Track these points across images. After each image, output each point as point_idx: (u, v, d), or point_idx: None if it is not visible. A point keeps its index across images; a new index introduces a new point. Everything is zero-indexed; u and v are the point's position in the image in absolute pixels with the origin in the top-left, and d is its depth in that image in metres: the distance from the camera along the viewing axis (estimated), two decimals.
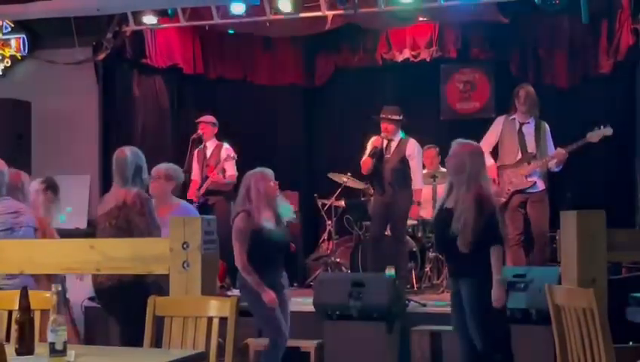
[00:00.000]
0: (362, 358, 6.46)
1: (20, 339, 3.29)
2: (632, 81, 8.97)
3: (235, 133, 9.45)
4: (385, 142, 8.24)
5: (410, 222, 8.51)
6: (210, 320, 3.79)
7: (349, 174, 9.19)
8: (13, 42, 9.44)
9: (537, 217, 7.58)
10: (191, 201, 8.88)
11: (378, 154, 8.18)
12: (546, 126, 7.71)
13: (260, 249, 5.66)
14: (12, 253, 4.63)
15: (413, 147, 8.20)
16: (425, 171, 8.75)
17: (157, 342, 3.87)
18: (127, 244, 4.54)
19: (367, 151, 8.23)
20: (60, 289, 3.21)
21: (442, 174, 8.33)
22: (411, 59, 10.39)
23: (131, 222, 5.10)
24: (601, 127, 7.36)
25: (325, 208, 9.62)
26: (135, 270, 4.50)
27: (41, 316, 3.71)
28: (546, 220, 7.57)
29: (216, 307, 3.83)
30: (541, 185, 7.63)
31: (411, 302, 7.32)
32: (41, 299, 3.61)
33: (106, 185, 7.51)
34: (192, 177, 9.06)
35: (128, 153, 5.36)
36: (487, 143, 7.75)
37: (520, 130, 7.70)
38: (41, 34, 9.35)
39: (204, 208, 8.69)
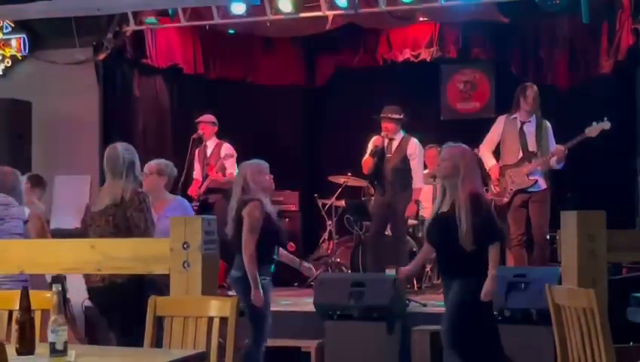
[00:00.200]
0: (363, 358, 6.46)
1: (21, 339, 3.29)
2: (632, 81, 8.96)
3: (235, 133, 9.45)
4: (386, 141, 8.25)
5: (410, 222, 8.51)
6: (210, 320, 3.79)
7: (349, 174, 9.20)
8: (13, 42, 9.44)
9: (538, 217, 7.58)
10: (191, 199, 8.91)
11: (379, 154, 8.18)
12: (548, 124, 7.71)
13: (270, 239, 5.65)
14: (12, 253, 4.63)
15: (414, 146, 8.21)
16: (426, 171, 8.75)
17: (157, 342, 3.87)
18: (127, 244, 4.53)
19: (369, 151, 8.24)
20: (60, 289, 3.21)
21: None
22: (412, 59, 10.40)
23: (129, 219, 5.04)
24: (599, 121, 7.37)
25: (325, 208, 9.62)
26: (135, 270, 4.50)
27: (41, 316, 3.71)
28: (546, 220, 7.56)
29: (217, 307, 3.83)
30: (543, 185, 7.63)
31: (412, 302, 7.32)
32: (42, 299, 3.61)
33: None
34: (194, 176, 9.09)
35: (120, 148, 5.24)
36: (489, 143, 7.77)
37: (521, 129, 7.70)
38: (41, 34, 9.35)
39: (204, 206, 8.71)
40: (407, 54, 10.41)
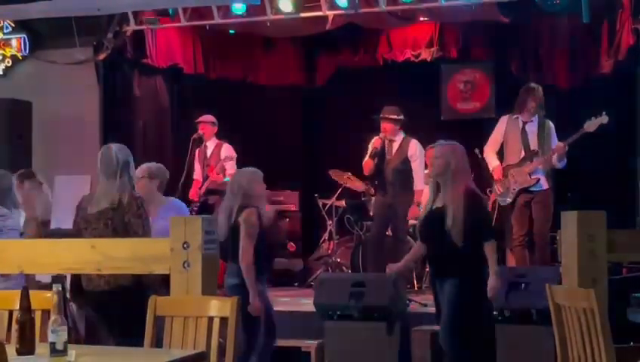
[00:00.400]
0: (363, 358, 6.46)
1: (21, 339, 3.29)
2: (633, 81, 8.96)
3: (235, 133, 9.45)
4: (387, 142, 8.25)
5: (411, 222, 8.51)
6: (210, 320, 3.79)
7: (349, 174, 9.20)
8: (14, 42, 9.44)
9: (540, 217, 7.59)
10: (190, 201, 8.91)
11: (379, 155, 8.18)
12: (551, 124, 7.73)
13: (267, 246, 5.65)
14: (12, 253, 4.63)
15: (415, 147, 8.21)
16: (426, 171, 8.73)
17: (157, 342, 3.87)
18: (127, 244, 4.53)
19: (369, 153, 8.25)
20: (60, 289, 3.21)
21: None
22: (412, 59, 10.39)
23: (128, 224, 5.01)
24: (597, 116, 7.39)
25: (326, 208, 9.62)
26: (135, 270, 4.50)
27: (41, 316, 3.71)
28: (548, 221, 7.56)
29: (217, 307, 3.83)
30: (545, 184, 7.64)
31: (412, 302, 7.32)
32: (42, 299, 3.61)
33: None
34: (194, 177, 9.10)
35: (115, 148, 5.19)
36: (493, 143, 7.80)
37: (523, 128, 7.71)
38: (41, 34, 9.35)
39: (204, 207, 8.71)
40: (407, 54, 10.40)
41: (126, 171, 5.12)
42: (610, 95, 9.30)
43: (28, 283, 5.10)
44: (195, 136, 9.02)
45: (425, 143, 8.69)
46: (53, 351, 3.12)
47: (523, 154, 7.68)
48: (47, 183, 6.85)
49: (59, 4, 8.05)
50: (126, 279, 4.85)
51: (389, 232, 8.39)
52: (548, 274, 5.93)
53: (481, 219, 5.34)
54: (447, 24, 10.12)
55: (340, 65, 11.10)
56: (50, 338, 3.12)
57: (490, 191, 8.00)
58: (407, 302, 7.14)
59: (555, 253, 7.00)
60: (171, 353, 3.57)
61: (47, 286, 4.46)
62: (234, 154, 8.80)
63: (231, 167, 8.76)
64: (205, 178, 9.00)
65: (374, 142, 8.25)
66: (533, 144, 7.66)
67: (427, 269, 8.74)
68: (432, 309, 7.11)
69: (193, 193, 9.00)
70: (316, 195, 9.75)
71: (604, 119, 7.37)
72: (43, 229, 6.03)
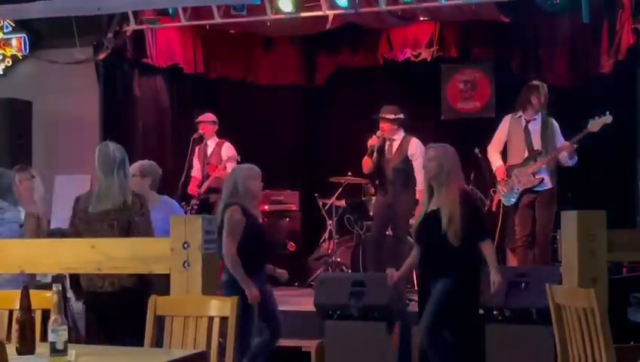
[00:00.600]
0: (363, 358, 6.46)
1: (21, 339, 3.29)
2: (633, 81, 8.96)
3: (235, 133, 9.45)
4: (387, 142, 8.25)
5: (411, 222, 8.51)
6: (210, 319, 3.79)
7: (349, 174, 9.19)
8: (14, 42, 9.45)
9: (543, 217, 7.58)
10: (190, 197, 8.92)
11: (377, 153, 8.17)
12: (555, 122, 7.72)
13: (258, 242, 5.64)
14: (12, 253, 4.63)
15: (415, 146, 8.19)
16: None
17: (157, 342, 3.87)
18: (127, 244, 4.53)
19: (368, 151, 8.25)
20: (60, 288, 3.21)
21: None
22: (412, 59, 10.39)
23: (132, 223, 5.04)
24: (601, 115, 7.38)
25: (326, 208, 9.62)
26: (136, 270, 4.50)
27: (42, 316, 3.71)
28: (551, 221, 7.54)
29: (217, 306, 3.84)
30: (549, 183, 7.63)
31: (412, 302, 7.32)
32: (42, 298, 3.61)
33: None
34: (193, 173, 9.09)
35: (112, 146, 5.22)
36: (496, 143, 7.80)
37: (526, 127, 7.70)
38: (41, 33, 9.36)
39: (204, 206, 8.72)
40: (407, 54, 10.40)
41: (122, 168, 5.14)
42: (611, 95, 9.30)
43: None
44: (195, 135, 9.03)
45: (425, 143, 8.69)
46: (53, 350, 3.12)
47: (526, 154, 7.66)
48: (39, 177, 6.82)
49: (59, 4, 8.04)
50: (129, 281, 4.87)
51: (389, 232, 8.39)
52: (548, 274, 5.93)
53: (476, 219, 5.39)
54: (447, 24, 10.12)
55: (339, 65, 11.09)
56: (50, 338, 3.12)
57: (494, 192, 8.00)
58: (407, 301, 7.14)
59: (556, 252, 7.02)
60: (171, 353, 3.58)
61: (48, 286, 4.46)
62: (236, 156, 8.80)
63: (232, 166, 8.76)
64: (206, 176, 8.99)
65: (370, 141, 8.25)
66: (537, 143, 7.65)
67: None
68: None
69: (192, 189, 9.00)
70: (316, 195, 9.75)
71: (607, 119, 7.36)
72: (41, 230, 6.02)
